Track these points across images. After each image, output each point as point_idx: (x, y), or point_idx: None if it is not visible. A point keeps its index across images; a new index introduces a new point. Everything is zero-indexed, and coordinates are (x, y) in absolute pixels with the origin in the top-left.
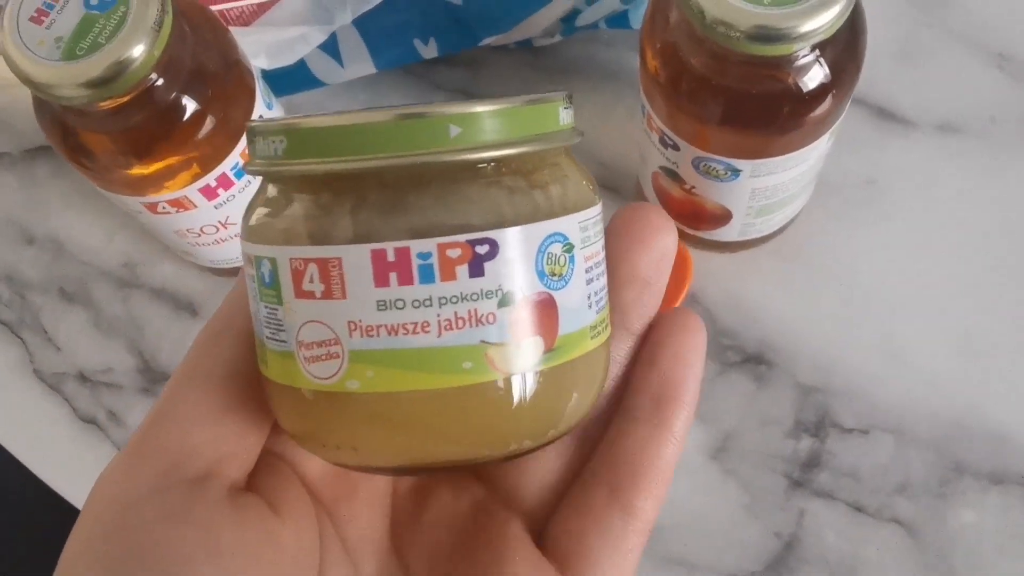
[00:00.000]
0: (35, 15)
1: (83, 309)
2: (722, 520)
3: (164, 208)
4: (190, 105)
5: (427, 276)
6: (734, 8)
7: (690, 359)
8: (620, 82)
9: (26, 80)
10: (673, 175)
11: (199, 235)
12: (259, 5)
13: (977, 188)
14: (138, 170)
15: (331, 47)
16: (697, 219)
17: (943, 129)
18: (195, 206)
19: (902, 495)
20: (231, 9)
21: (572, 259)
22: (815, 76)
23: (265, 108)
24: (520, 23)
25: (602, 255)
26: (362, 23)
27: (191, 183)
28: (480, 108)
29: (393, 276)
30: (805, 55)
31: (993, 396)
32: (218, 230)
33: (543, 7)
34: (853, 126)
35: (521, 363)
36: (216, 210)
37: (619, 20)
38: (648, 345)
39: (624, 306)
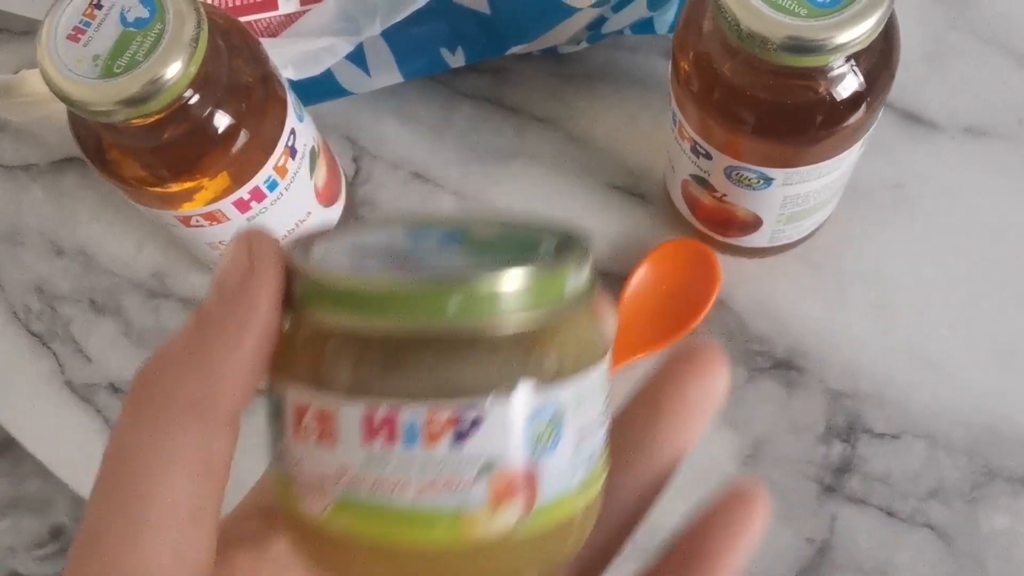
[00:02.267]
0: (72, 33)
1: (113, 320)
2: None
3: (197, 221)
4: (224, 120)
5: (411, 440)
6: (769, 19)
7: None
8: (646, 88)
9: (63, 98)
10: (704, 183)
11: None
12: (287, 16)
13: (1006, 191)
14: (173, 186)
15: (358, 57)
16: (727, 226)
17: (971, 132)
18: (228, 219)
19: (934, 500)
20: (259, 20)
21: (562, 426)
22: (849, 85)
23: (296, 121)
24: (548, 32)
25: (600, 410)
26: (389, 33)
27: (224, 197)
28: (482, 285)
29: (381, 435)
30: (840, 65)
31: None
32: None
33: (571, 16)
34: (880, 130)
35: (496, 529)
36: (248, 222)
37: (644, 26)
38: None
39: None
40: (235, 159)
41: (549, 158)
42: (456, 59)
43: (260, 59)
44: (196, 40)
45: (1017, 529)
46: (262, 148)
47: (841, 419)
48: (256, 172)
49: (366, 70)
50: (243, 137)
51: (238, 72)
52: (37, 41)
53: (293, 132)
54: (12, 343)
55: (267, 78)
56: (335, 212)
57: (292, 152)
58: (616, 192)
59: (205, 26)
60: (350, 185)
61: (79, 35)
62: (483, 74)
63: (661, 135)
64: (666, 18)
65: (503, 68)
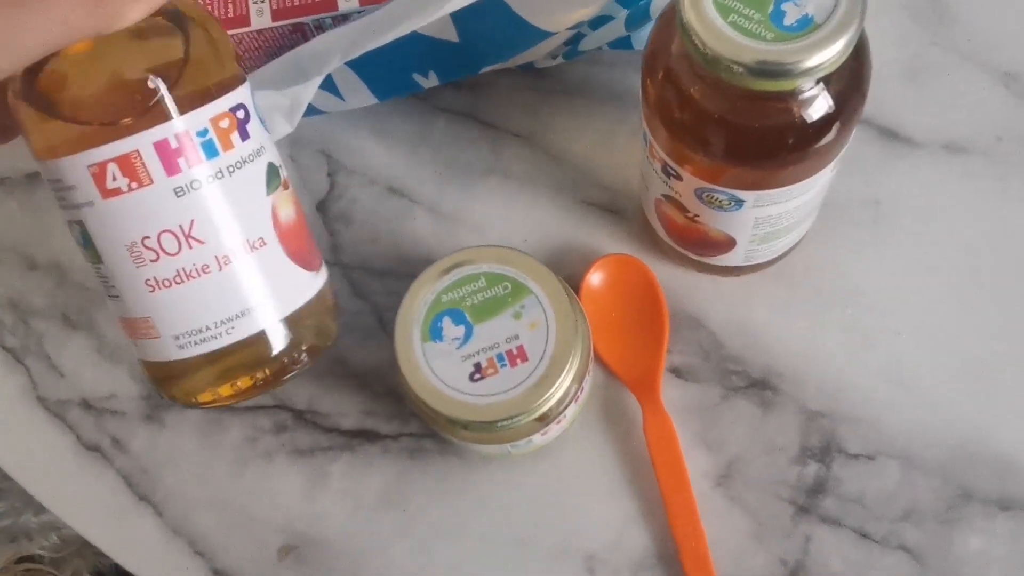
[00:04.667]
0: None
1: (86, 335)
2: (728, 547)
3: (114, 178)
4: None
5: None
6: (735, 43)
7: None
8: (623, 104)
9: None
10: (676, 203)
11: (157, 256)
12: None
13: (983, 208)
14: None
15: (328, 85)
16: (701, 245)
17: (949, 149)
18: (150, 179)
19: (908, 521)
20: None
21: None
22: (819, 108)
23: (253, 108)
24: (521, 53)
25: None
26: (355, 64)
27: (148, 126)
28: None
29: None
30: (810, 88)
31: (1000, 421)
32: (180, 247)
33: (546, 39)
34: (858, 147)
35: None
36: (177, 200)
37: (622, 43)
38: None
39: None
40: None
41: (525, 174)
42: (429, 81)
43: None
44: None
45: (991, 552)
46: (199, 70)
47: (816, 439)
48: (192, 104)
49: (339, 95)
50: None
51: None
52: None
53: (244, 109)
54: None
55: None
56: (303, 279)
57: (241, 128)
58: (592, 208)
59: None
60: (321, 202)
61: None
62: (460, 89)
63: (637, 152)
64: (643, 34)
65: (480, 83)
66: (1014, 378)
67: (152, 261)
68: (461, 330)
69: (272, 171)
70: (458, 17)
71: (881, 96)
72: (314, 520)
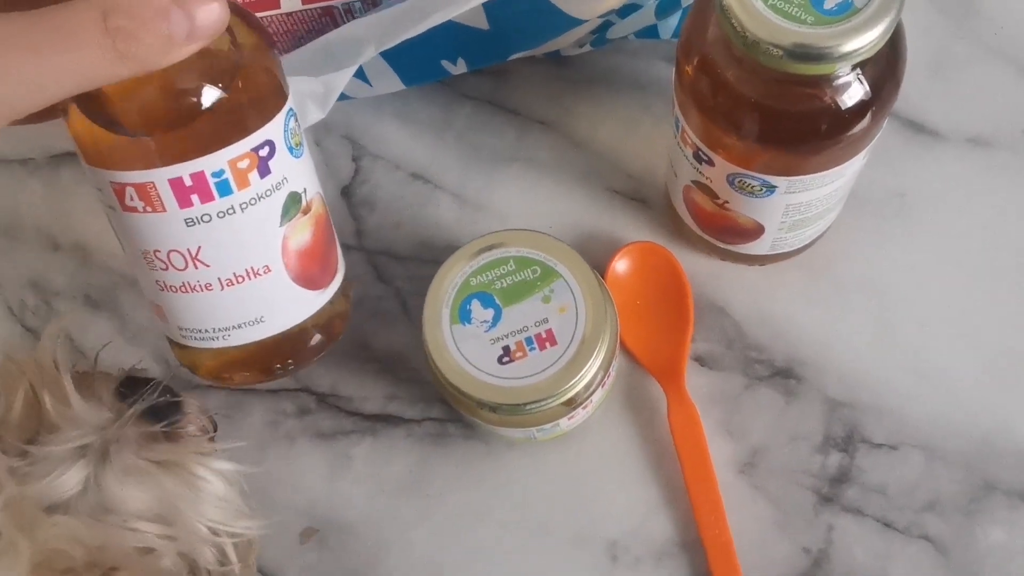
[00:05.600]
0: None
1: (109, 316)
2: (751, 536)
3: (131, 198)
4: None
5: None
6: (775, 26)
7: None
8: (648, 92)
9: None
10: (706, 189)
11: (166, 267)
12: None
13: (1008, 201)
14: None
15: (356, 71)
16: (729, 232)
17: (974, 142)
18: (163, 207)
19: (931, 512)
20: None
21: None
22: (855, 94)
23: (282, 140)
24: (550, 40)
25: None
26: (385, 52)
27: (164, 164)
28: None
29: None
30: (846, 74)
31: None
32: (187, 265)
33: (576, 27)
34: (883, 139)
35: None
36: (187, 228)
37: (648, 31)
38: None
39: None
40: (203, 116)
41: (550, 161)
42: (458, 68)
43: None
44: None
45: (1014, 543)
46: (230, 123)
47: (839, 429)
48: (209, 150)
49: (367, 81)
50: (214, 90)
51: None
52: None
53: (270, 145)
54: (7, 338)
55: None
56: (306, 299)
57: (262, 165)
58: (617, 196)
59: None
60: (346, 187)
61: None
62: (484, 76)
63: (662, 140)
64: (669, 23)
65: (505, 70)
66: None
67: (161, 269)
68: (490, 313)
69: (291, 200)
70: (489, 4)
71: (907, 88)
72: (336, 504)
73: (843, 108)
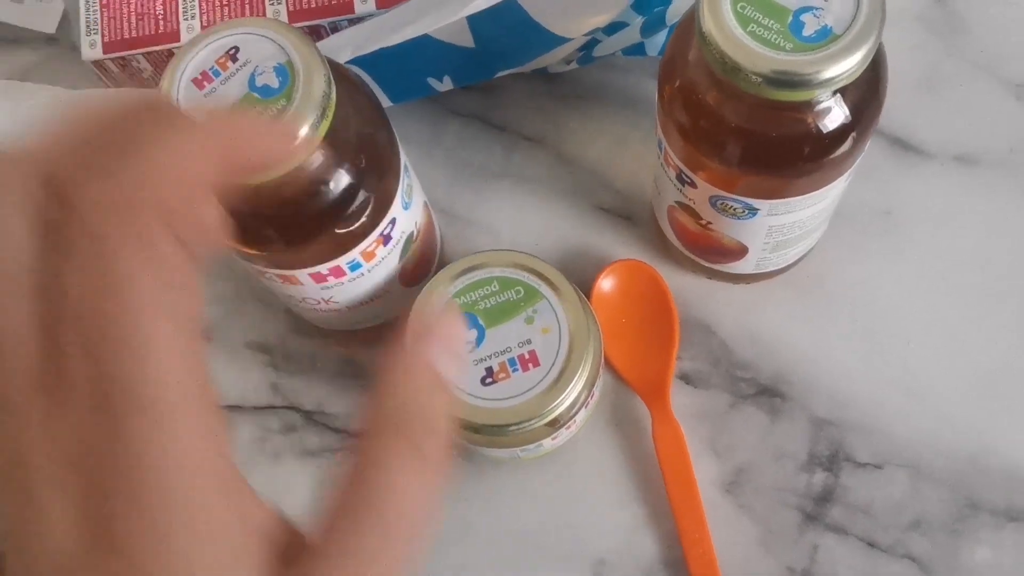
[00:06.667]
0: (199, 77)
1: None
2: (736, 554)
3: (271, 277)
4: (342, 183)
5: None
6: (754, 53)
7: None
8: (636, 109)
9: None
10: (690, 210)
11: (301, 301)
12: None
13: (995, 220)
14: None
15: None
16: (713, 252)
17: (961, 160)
18: (301, 284)
19: (916, 531)
20: None
21: None
22: (836, 118)
23: (401, 209)
24: (536, 58)
25: None
26: (370, 67)
27: (304, 268)
28: None
29: None
30: (827, 98)
31: (1009, 432)
32: (319, 303)
33: (561, 45)
34: (870, 157)
35: None
36: (322, 291)
37: (635, 49)
38: None
39: None
40: (337, 238)
41: (538, 178)
42: (444, 85)
43: (382, 128)
44: (319, 123)
45: (999, 562)
46: (360, 236)
47: (824, 447)
48: (343, 254)
49: None
50: (353, 221)
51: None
52: (166, 73)
53: (393, 221)
54: None
55: (387, 149)
56: (413, 292)
57: (386, 240)
58: (604, 214)
59: (333, 98)
60: None
61: (205, 82)
62: (473, 93)
63: (650, 157)
64: (656, 41)
65: (494, 87)
66: (1023, 389)
67: (296, 302)
68: (473, 334)
69: (407, 242)
70: (475, 22)
71: (894, 106)
72: None
73: (824, 132)
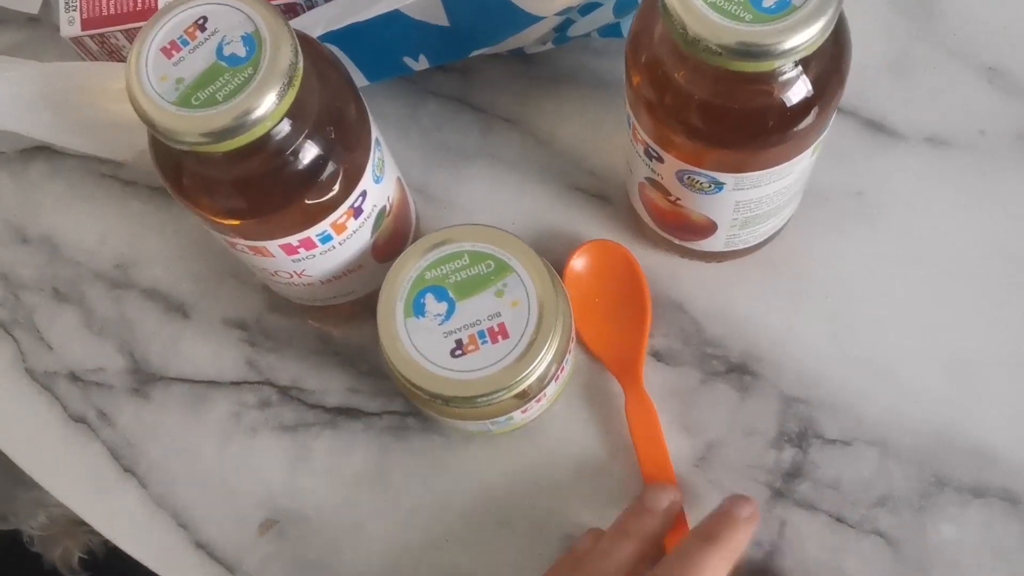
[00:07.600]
0: (168, 47)
1: (75, 309)
2: None
3: (242, 248)
4: (311, 159)
5: None
6: (716, 24)
7: None
8: (611, 91)
9: (147, 121)
10: (659, 186)
11: (273, 274)
12: None
13: (966, 201)
14: (240, 222)
15: None
16: (683, 229)
17: (932, 142)
18: (272, 256)
19: (883, 507)
20: None
21: None
22: (798, 91)
23: (372, 182)
24: (511, 37)
25: None
26: (346, 44)
27: (273, 239)
28: None
29: None
30: (788, 70)
31: (976, 411)
32: (292, 277)
33: (535, 23)
34: (842, 137)
35: None
36: (294, 263)
37: (611, 30)
38: None
39: None
40: (306, 209)
41: (514, 158)
42: (420, 64)
43: (350, 97)
44: (286, 89)
45: (964, 539)
46: (329, 208)
47: (793, 425)
48: (312, 225)
49: None
50: (323, 192)
51: (328, 113)
52: (135, 42)
53: (364, 194)
54: None
55: (357, 122)
56: (387, 267)
57: (356, 212)
58: (579, 193)
59: (300, 67)
60: None
61: (174, 51)
62: (450, 73)
63: (624, 138)
64: (630, 21)
65: (470, 68)
66: (991, 368)
67: (269, 275)
68: (444, 307)
69: (379, 216)
70: (449, 0)
71: (866, 88)
72: (296, 495)
73: (787, 105)
